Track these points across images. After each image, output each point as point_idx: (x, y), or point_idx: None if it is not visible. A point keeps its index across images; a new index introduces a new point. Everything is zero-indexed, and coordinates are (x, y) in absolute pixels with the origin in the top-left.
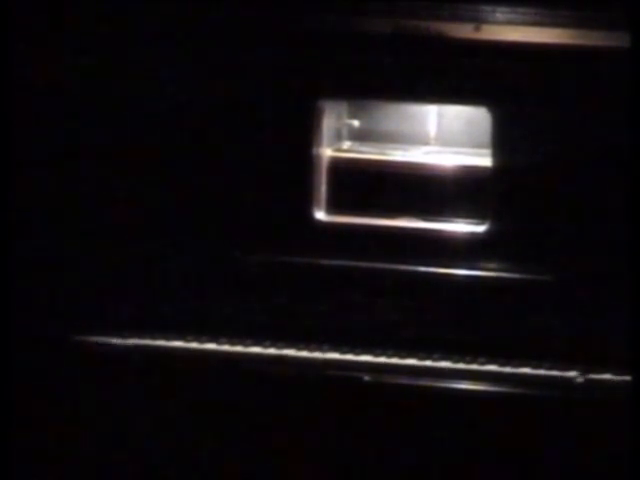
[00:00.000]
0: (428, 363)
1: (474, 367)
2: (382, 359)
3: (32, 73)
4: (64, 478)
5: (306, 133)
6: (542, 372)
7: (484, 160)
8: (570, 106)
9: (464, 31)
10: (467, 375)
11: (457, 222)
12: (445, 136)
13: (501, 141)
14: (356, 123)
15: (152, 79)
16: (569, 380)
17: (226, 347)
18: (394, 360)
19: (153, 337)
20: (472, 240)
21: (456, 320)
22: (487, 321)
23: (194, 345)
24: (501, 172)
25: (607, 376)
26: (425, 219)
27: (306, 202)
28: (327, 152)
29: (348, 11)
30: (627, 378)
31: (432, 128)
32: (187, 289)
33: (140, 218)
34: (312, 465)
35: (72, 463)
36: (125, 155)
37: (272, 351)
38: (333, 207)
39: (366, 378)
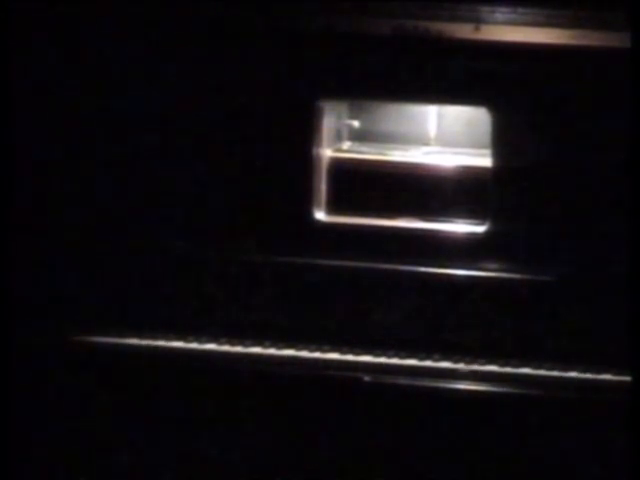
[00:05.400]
0: (428, 363)
1: (474, 367)
2: (382, 359)
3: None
4: (64, 478)
5: (306, 133)
6: (542, 372)
7: (484, 160)
8: (570, 106)
9: (464, 31)
10: (467, 375)
11: (457, 222)
12: (445, 136)
13: (501, 141)
14: (356, 123)
15: (152, 80)
16: (569, 380)
17: (226, 347)
18: (394, 360)
19: (153, 337)
20: (472, 240)
21: (456, 320)
22: (487, 321)
23: (194, 345)
24: (501, 172)
25: (607, 376)
26: (425, 219)
27: (306, 202)
28: (327, 152)
29: (348, 11)
30: (627, 378)
31: (432, 128)
32: (187, 289)
33: (140, 219)
34: (312, 465)
35: (72, 463)
36: (125, 156)
37: (272, 351)
38: (333, 207)
39: (366, 378)
